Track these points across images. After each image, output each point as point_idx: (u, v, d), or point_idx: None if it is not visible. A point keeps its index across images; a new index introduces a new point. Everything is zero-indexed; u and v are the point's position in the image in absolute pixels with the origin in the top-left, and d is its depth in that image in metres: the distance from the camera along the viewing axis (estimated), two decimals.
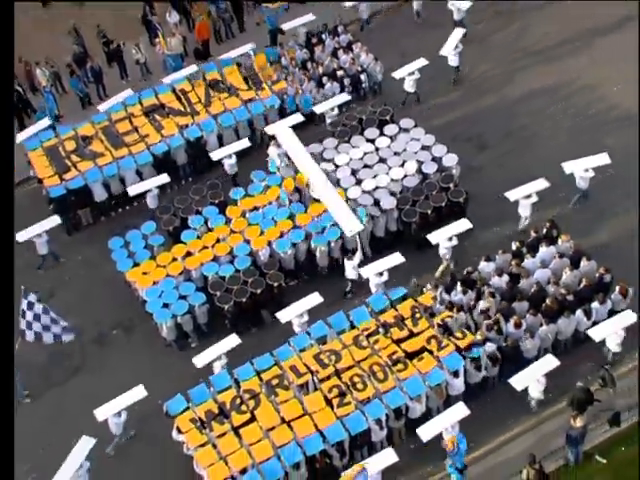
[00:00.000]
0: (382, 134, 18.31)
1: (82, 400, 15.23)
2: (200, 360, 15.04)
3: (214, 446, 13.82)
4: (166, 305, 15.97)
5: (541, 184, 16.75)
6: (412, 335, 14.87)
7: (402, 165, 17.68)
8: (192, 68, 19.89)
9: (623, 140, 18.44)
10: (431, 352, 14.54)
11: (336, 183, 17.41)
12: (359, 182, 17.44)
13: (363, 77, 20.19)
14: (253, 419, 14.10)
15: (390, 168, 17.63)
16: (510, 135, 19.35)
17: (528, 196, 16.74)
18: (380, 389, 14.21)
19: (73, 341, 15.98)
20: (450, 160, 17.79)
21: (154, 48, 21.40)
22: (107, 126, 18.97)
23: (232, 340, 15.19)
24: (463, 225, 16.49)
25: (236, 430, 13.98)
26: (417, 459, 14.04)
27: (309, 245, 16.82)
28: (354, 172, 17.69)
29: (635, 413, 14.41)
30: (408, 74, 19.49)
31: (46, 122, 19.17)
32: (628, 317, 14.62)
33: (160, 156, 18.59)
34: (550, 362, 14.35)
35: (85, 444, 14.01)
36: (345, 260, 16.53)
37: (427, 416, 14.38)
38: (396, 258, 16.13)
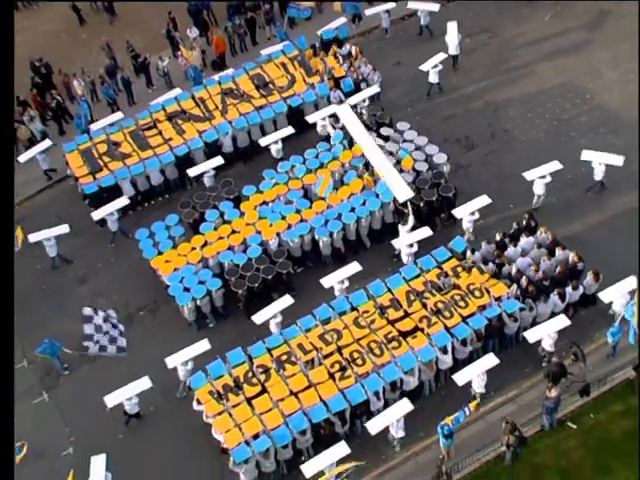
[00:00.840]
0: (379, 136, 18.09)
1: (113, 372, 15.33)
2: (259, 318, 15.22)
3: (230, 415, 13.89)
4: (187, 289, 16.00)
5: (555, 166, 16.72)
6: (406, 315, 14.80)
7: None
8: (177, 91, 19.66)
9: (595, 141, 18.28)
10: (422, 330, 14.48)
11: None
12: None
13: (363, 85, 19.93)
14: (264, 391, 14.15)
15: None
16: (494, 137, 19.28)
17: (543, 177, 16.72)
18: (377, 364, 14.19)
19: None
20: (440, 159, 17.67)
21: (177, 60, 21.26)
22: (134, 130, 18.93)
23: (286, 300, 15.35)
24: (483, 200, 16.49)
25: (249, 400, 14.04)
26: (410, 426, 13.96)
27: (314, 236, 16.72)
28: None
29: (603, 384, 14.39)
30: (432, 67, 19.43)
31: (47, 143, 19.13)
32: (561, 321, 14.48)
33: (181, 156, 18.55)
34: (561, 320, 14.44)
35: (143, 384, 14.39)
36: (399, 226, 16.52)
37: (420, 388, 14.37)
38: (425, 232, 16.16)
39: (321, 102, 19.45)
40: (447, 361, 14.52)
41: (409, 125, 18.47)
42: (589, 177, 17.40)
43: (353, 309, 15.16)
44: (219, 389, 14.19)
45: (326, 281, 15.68)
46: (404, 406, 13.57)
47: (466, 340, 14.55)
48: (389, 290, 15.30)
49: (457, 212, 16.52)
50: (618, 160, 16.84)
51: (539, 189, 17.03)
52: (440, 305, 14.75)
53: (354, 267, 15.78)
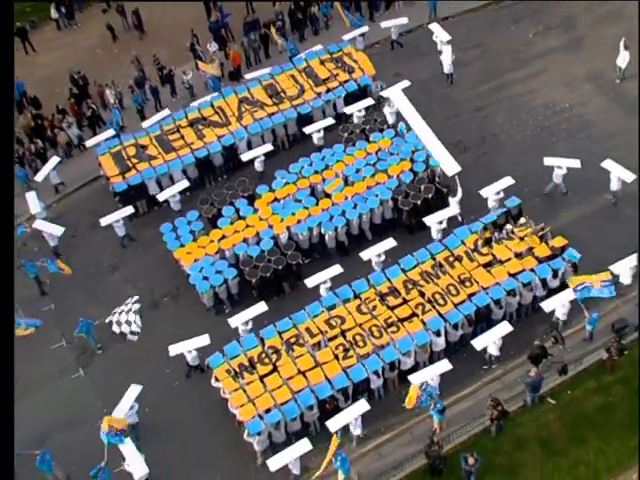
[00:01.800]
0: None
1: (140, 351, 15.13)
2: (311, 281, 15.07)
3: (244, 391, 13.66)
4: (205, 278, 15.71)
5: (575, 163, 16.36)
6: (404, 302, 14.46)
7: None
8: (165, 112, 19.13)
9: (574, 146, 17.86)
10: (417, 316, 14.15)
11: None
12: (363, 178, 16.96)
13: None
14: (275, 370, 13.90)
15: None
16: (484, 141, 18.81)
17: (560, 167, 16.45)
18: (377, 346, 13.91)
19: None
20: (437, 161, 17.00)
21: (198, 71, 20.81)
22: (160, 135, 18.57)
23: (336, 269, 15.09)
24: (507, 181, 16.13)
25: (262, 378, 13.81)
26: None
27: (320, 230, 16.33)
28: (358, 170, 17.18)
29: (579, 364, 14.17)
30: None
31: (111, 132, 18.93)
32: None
33: (201, 158, 18.17)
34: (568, 295, 14.09)
35: (135, 390, 13.90)
36: (450, 198, 16.24)
37: (415, 368, 14.03)
38: (453, 209, 15.93)
39: (327, 109, 18.99)
40: (440, 343, 14.19)
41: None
42: (569, 179, 16.79)
43: (356, 297, 14.80)
44: (235, 368, 13.94)
45: (365, 254, 15.33)
46: (362, 406, 13.06)
47: (457, 324, 14.20)
48: (388, 279, 14.94)
49: (483, 192, 16.12)
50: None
51: (558, 179, 16.63)
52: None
53: (390, 242, 15.50)
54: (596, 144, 17.85)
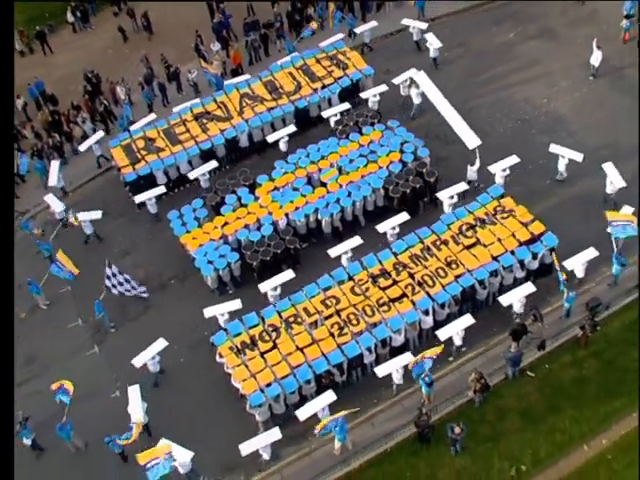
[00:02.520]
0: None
1: (150, 329, 14.62)
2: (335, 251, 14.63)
3: (246, 366, 13.22)
4: (210, 261, 15.19)
5: (578, 156, 15.81)
6: (395, 283, 13.95)
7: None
8: (152, 116, 18.34)
9: (552, 138, 17.15)
10: (407, 296, 13.65)
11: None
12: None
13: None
14: (275, 346, 13.44)
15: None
16: None
17: (563, 157, 15.94)
18: (370, 324, 13.44)
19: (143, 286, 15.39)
20: (424, 152, 16.59)
21: (202, 69, 20.01)
22: (167, 128, 17.87)
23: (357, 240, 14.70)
24: (513, 159, 15.79)
25: (262, 354, 13.35)
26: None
27: (317, 216, 15.78)
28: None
29: (556, 340, 13.78)
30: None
31: (101, 134, 18.38)
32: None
33: (205, 150, 17.50)
34: (528, 288, 13.70)
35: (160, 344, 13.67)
36: (468, 166, 16.03)
37: (406, 344, 13.58)
38: (462, 186, 15.58)
39: (323, 104, 18.27)
40: (429, 322, 13.73)
41: (398, 123, 17.37)
42: (547, 168, 16.37)
43: (350, 278, 14.30)
44: (237, 345, 13.47)
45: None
46: (328, 397, 12.49)
47: (444, 304, 13.71)
48: (380, 262, 14.43)
49: (492, 168, 15.75)
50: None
51: (561, 166, 16.16)
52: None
53: (404, 216, 15.00)
54: (571, 136, 17.34)
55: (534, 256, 14.22)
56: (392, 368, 12.88)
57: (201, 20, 21.75)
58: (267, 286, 14.30)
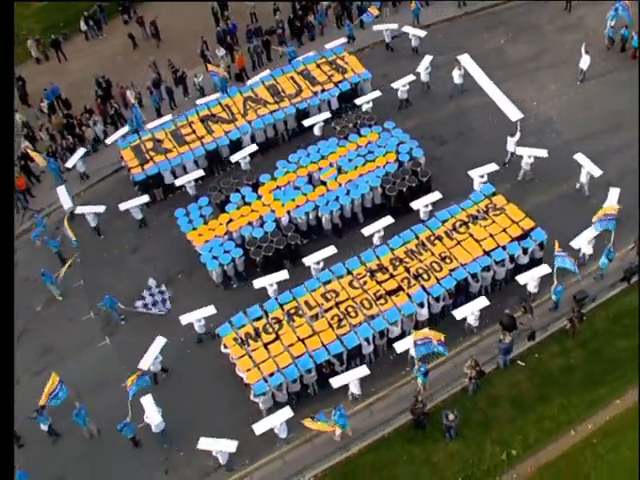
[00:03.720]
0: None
1: (158, 321, 14.45)
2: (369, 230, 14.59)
3: (250, 357, 12.98)
4: (215, 257, 14.94)
5: (542, 153, 15.60)
6: (391, 277, 13.70)
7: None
8: (166, 117, 18.08)
9: (541, 139, 16.98)
10: (403, 289, 13.41)
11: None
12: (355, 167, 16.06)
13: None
14: (277, 338, 13.20)
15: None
16: (461, 134, 17.85)
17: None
18: (368, 316, 13.21)
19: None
20: (418, 152, 16.30)
21: (208, 74, 19.69)
22: (174, 130, 17.58)
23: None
24: (542, 152, 15.56)
25: (265, 345, 13.12)
26: (394, 366, 13.21)
27: (317, 214, 15.51)
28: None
29: (545, 331, 13.58)
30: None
31: (126, 129, 18.04)
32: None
33: (211, 151, 17.21)
34: (543, 269, 13.55)
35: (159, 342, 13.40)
36: (509, 137, 16.04)
37: (402, 336, 13.33)
38: (492, 167, 15.47)
39: (323, 106, 17.96)
40: (424, 314, 13.49)
41: (394, 124, 17.06)
42: (536, 167, 15.94)
43: (349, 273, 14.03)
44: (242, 336, 13.25)
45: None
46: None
47: (439, 297, 13.46)
48: (377, 257, 14.19)
49: (519, 150, 15.57)
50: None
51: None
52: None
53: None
54: (559, 136, 17.07)
55: (524, 251, 13.97)
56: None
57: (206, 27, 21.43)
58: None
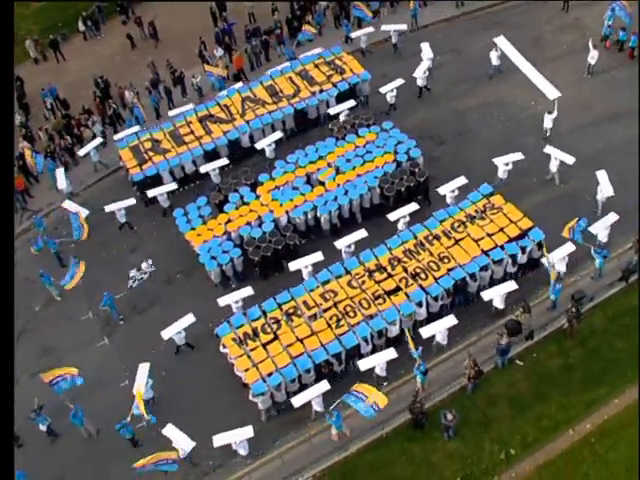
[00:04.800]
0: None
1: (157, 321, 14.33)
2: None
3: (248, 356, 12.94)
4: (213, 257, 14.90)
5: (569, 159, 15.53)
6: (389, 277, 13.68)
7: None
8: (189, 105, 18.06)
9: (537, 138, 16.98)
10: (401, 289, 13.39)
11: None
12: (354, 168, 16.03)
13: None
14: (276, 337, 13.16)
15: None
16: (460, 134, 17.82)
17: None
18: (366, 315, 13.17)
19: (150, 281, 14.94)
20: (416, 152, 16.24)
21: (207, 72, 19.68)
22: (172, 130, 17.53)
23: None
24: (518, 155, 15.75)
25: (264, 345, 13.08)
26: (392, 366, 13.05)
27: (316, 214, 15.48)
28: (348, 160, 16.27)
29: (543, 330, 13.54)
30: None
31: (136, 128, 18.01)
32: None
33: (209, 151, 17.15)
34: (510, 285, 13.51)
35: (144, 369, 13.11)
36: (546, 114, 16.65)
37: (401, 335, 13.28)
38: (517, 156, 15.69)
39: (321, 107, 17.92)
40: (422, 313, 13.47)
41: (392, 124, 17.02)
42: (534, 167, 16.04)
43: (347, 272, 14.00)
44: (240, 336, 13.20)
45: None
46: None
47: (437, 297, 13.45)
48: (376, 257, 14.14)
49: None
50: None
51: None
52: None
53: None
54: (558, 136, 16.97)
55: (522, 250, 13.94)
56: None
57: (205, 28, 21.37)
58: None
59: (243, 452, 12.24)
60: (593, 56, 18.20)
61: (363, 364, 12.50)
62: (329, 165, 16.22)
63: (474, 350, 13.37)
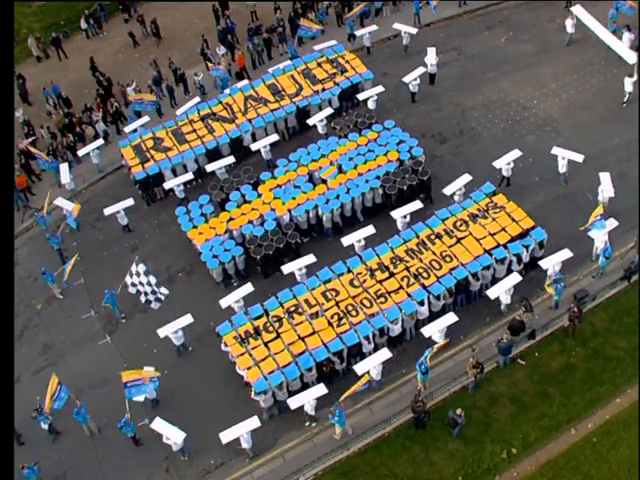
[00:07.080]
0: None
1: (158, 319, 14.24)
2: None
3: (250, 355, 12.90)
4: (215, 255, 14.85)
5: (578, 157, 15.42)
6: (392, 275, 13.63)
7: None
8: (196, 99, 18.09)
9: (541, 138, 16.98)
10: (403, 288, 13.34)
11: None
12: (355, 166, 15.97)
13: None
14: (278, 336, 13.12)
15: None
16: (462, 133, 17.75)
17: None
18: (368, 314, 13.12)
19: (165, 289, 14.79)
20: (418, 151, 16.19)
21: (211, 69, 19.53)
22: (175, 129, 17.47)
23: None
24: (516, 153, 15.59)
25: (266, 344, 13.04)
26: (394, 365, 13.08)
27: (317, 212, 15.43)
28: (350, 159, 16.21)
29: (545, 329, 13.49)
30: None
31: (146, 119, 18.02)
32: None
33: (211, 149, 17.09)
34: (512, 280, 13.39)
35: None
36: (626, 78, 16.65)
37: (402, 334, 13.28)
38: (516, 153, 15.61)
39: (323, 105, 17.82)
40: (424, 312, 13.42)
41: (394, 123, 16.96)
42: (536, 166, 15.99)
43: (349, 271, 13.95)
44: (242, 334, 13.16)
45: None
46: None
47: (439, 296, 13.39)
48: (377, 256, 14.09)
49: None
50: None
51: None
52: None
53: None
54: (560, 135, 16.99)
55: (526, 249, 13.79)
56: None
57: (207, 26, 21.36)
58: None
59: (247, 445, 12.17)
60: (570, 24, 18.69)
61: (359, 368, 12.33)
62: (331, 163, 16.18)
63: (475, 351, 13.21)
